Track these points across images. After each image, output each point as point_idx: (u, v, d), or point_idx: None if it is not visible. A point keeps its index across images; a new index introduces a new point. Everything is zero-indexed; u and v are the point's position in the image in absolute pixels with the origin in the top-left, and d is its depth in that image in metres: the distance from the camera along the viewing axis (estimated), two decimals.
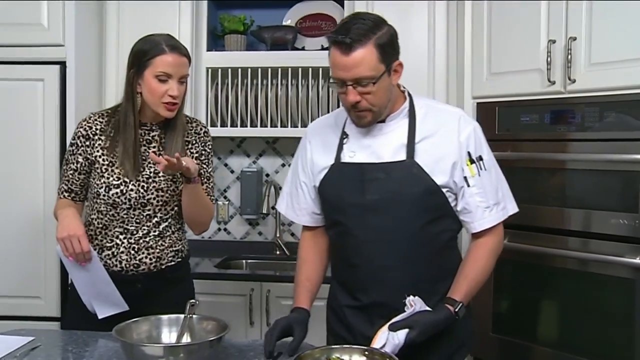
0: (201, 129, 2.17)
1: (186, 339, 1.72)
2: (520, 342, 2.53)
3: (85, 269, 1.94)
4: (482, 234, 1.77)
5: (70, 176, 2.06)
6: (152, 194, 2.02)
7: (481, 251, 1.77)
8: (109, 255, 2.04)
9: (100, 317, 2.00)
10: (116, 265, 2.04)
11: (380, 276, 1.74)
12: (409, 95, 1.81)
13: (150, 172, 2.03)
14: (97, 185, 2.02)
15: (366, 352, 1.62)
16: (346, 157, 1.78)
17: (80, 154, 2.04)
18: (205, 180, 2.15)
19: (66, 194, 2.08)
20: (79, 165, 2.05)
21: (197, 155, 2.13)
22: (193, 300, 1.78)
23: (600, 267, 2.26)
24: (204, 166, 2.15)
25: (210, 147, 2.19)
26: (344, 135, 1.81)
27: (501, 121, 2.58)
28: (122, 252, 2.03)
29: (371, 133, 1.77)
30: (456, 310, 1.67)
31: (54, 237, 1.92)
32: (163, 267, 2.10)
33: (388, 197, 1.71)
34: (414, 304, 1.65)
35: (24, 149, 2.82)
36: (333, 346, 1.67)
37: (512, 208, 1.82)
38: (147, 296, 2.06)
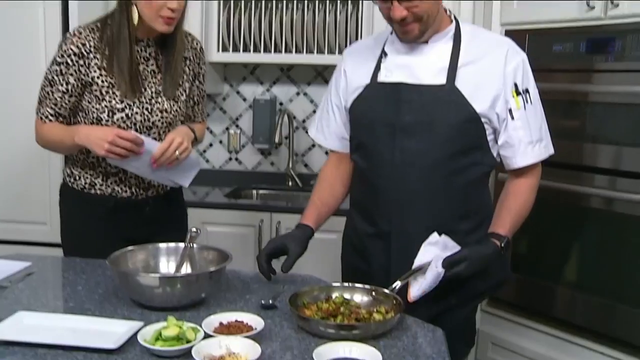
0: (197, 44, 2.03)
1: (185, 269, 1.63)
2: (541, 282, 2.44)
3: (145, 154, 1.80)
4: (521, 172, 1.66)
5: (59, 99, 1.84)
6: (157, 115, 1.89)
7: (523, 187, 1.67)
8: (116, 181, 1.92)
9: (186, 186, 1.98)
10: (125, 192, 1.93)
11: (404, 202, 1.64)
12: (455, 19, 1.68)
13: (152, 93, 1.89)
14: (98, 109, 1.84)
15: (373, 293, 1.52)
16: (382, 76, 1.67)
17: (71, 75, 1.82)
18: (200, 99, 2.06)
19: (52, 119, 1.87)
20: (69, 87, 1.83)
21: (193, 75, 2.00)
22: (195, 229, 1.68)
23: (627, 206, 2.14)
24: (200, 85, 2.05)
25: (204, 63, 2.06)
26: (383, 54, 1.69)
27: (531, 50, 2.38)
28: (131, 177, 1.92)
29: (412, 53, 1.64)
30: (502, 245, 1.59)
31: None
32: (168, 188, 2.01)
33: (423, 120, 1.60)
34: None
35: (26, 68, 2.69)
36: (334, 284, 1.58)
37: (551, 148, 1.70)
38: (153, 222, 1.97)
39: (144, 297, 1.47)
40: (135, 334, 1.28)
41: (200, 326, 1.30)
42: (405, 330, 1.40)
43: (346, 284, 1.57)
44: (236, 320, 1.36)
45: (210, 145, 3.48)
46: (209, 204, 2.93)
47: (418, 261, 1.54)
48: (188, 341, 1.24)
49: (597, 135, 2.24)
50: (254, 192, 3.34)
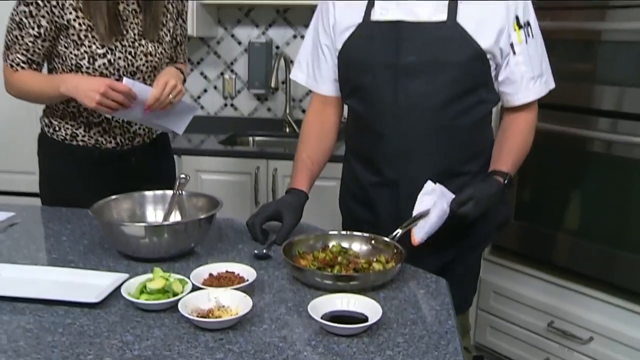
0: None
1: (174, 218, 1.55)
2: (542, 229, 2.36)
3: (138, 101, 1.66)
4: (520, 109, 1.58)
5: (30, 44, 1.68)
6: (141, 59, 1.77)
7: (522, 124, 1.59)
8: (99, 131, 1.80)
9: (180, 133, 1.86)
10: (110, 142, 1.82)
11: (409, 147, 1.54)
12: None
13: (135, 35, 1.76)
14: (77, 56, 1.69)
15: (372, 242, 1.44)
16: (377, 15, 1.53)
17: (43, 17, 1.65)
18: (183, 39, 1.94)
19: (25, 66, 1.71)
20: (42, 31, 1.66)
21: (177, 13, 1.87)
22: (183, 175, 1.59)
23: (629, 150, 2.06)
24: (183, 24, 1.93)
25: (186, 3, 1.94)
26: None
27: None
28: (115, 127, 1.81)
29: None
30: (505, 182, 1.52)
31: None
32: (154, 136, 1.91)
33: (427, 60, 1.48)
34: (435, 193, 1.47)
35: None
36: (331, 232, 1.49)
37: (552, 82, 1.59)
38: (141, 173, 1.87)
39: (130, 248, 1.39)
40: (120, 286, 1.20)
41: (189, 278, 1.23)
42: (407, 281, 1.32)
43: (344, 232, 1.49)
44: (227, 272, 1.28)
45: (205, 91, 3.36)
46: (203, 151, 2.83)
47: (417, 211, 1.44)
48: (175, 294, 1.17)
49: (603, 76, 2.13)
50: (250, 138, 3.24)
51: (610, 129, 2.11)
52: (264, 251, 1.45)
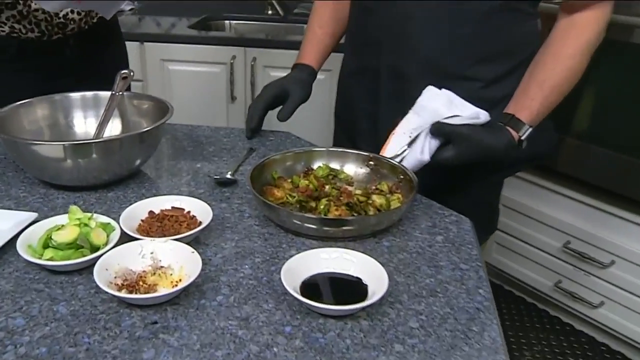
0: None
1: (110, 129, 1.18)
2: (568, 138, 1.99)
3: None
4: (579, 8, 1.07)
5: None
6: None
7: (573, 43, 1.07)
8: (14, 16, 1.34)
9: (108, 17, 1.42)
10: (32, 30, 1.37)
11: (399, 27, 1.14)
12: None
13: None
14: None
15: (370, 162, 1.09)
16: None
17: None
18: None
19: None
20: None
21: None
22: (125, 71, 1.20)
23: None
24: None
25: None
26: None
27: None
28: (37, 10, 1.35)
29: None
30: (521, 136, 1.08)
31: None
32: (94, 20, 1.48)
33: None
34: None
35: None
36: (316, 148, 1.14)
37: None
38: (79, 70, 1.46)
39: (46, 173, 1.04)
40: (23, 231, 0.86)
41: (118, 221, 0.88)
42: (418, 222, 0.98)
43: (333, 149, 1.13)
44: (173, 208, 0.94)
45: None
46: (171, 37, 2.39)
47: (406, 123, 1.08)
48: (94, 248, 0.83)
49: None
50: (226, 22, 2.79)
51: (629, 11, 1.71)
52: (229, 175, 1.10)
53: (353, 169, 1.10)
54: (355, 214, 0.96)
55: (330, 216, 0.94)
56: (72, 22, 1.42)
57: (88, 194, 1.03)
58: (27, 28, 1.36)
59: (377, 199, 0.98)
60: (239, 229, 0.94)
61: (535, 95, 1.08)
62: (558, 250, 2.06)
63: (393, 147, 1.06)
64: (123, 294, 0.74)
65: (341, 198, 0.98)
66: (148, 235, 0.87)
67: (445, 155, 1.04)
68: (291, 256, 0.80)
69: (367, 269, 0.79)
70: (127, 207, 0.92)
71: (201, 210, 0.93)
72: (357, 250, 0.83)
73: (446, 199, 1.08)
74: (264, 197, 0.97)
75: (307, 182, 1.03)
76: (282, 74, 1.34)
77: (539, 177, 2.08)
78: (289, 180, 1.05)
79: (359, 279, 0.79)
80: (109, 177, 1.05)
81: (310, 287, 0.77)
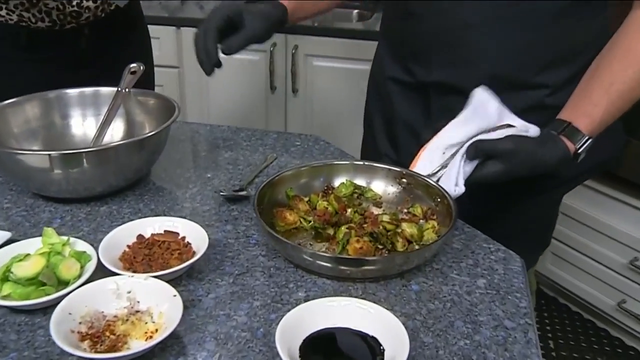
0: None
1: (111, 131, 1.05)
2: None
3: None
4: None
5: None
6: None
7: None
8: (22, 4, 1.19)
9: (122, 5, 1.31)
10: (42, 19, 1.24)
11: (452, 38, 0.96)
12: None
13: None
14: None
15: (403, 180, 0.92)
16: None
17: None
18: None
19: None
20: None
21: None
22: (134, 65, 1.07)
23: None
24: None
25: None
26: None
27: None
28: None
29: None
30: (578, 148, 0.89)
31: None
32: (112, 7, 1.35)
33: None
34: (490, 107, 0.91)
35: None
36: (337, 161, 0.96)
37: None
38: (95, 63, 1.33)
39: (32, 184, 0.92)
40: None
41: (97, 248, 0.75)
42: (456, 257, 0.81)
43: (359, 162, 0.97)
44: (166, 232, 0.80)
45: None
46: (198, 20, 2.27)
47: (444, 137, 0.90)
48: (64, 282, 0.70)
49: None
50: None
51: None
52: (238, 189, 0.96)
53: (382, 187, 0.93)
54: (380, 246, 0.80)
55: (350, 248, 0.78)
56: (87, 11, 1.29)
57: (79, 207, 0.91)
58: (36, 17, 1.24)
59: (408, 228, 0.82)
60: (241, 260, 0.79)
61: (599, 101, 0.89)
62: (623, 267, 1.84)
63: (423, 164, 0.89)
64: (80, 352, 0.60)
65: (365, 225, 0.82)
66: (131, 265, 0.74)
67: (490, 170, 0.86)
68: (297, 301, 0.66)
69: (386, 325, 0.64)
70: (119, 225, 0.79)
71: (196, 236, 0.79)
72: (379, 294, 0.67)
73: (495, 215, 0.91)
74: (275, 221, 0.82)
75: (326, 203, 0.87)
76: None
77: (598, 182, 1.87)
78: (306, 200, 0.90)
79: (375, 339, 0.63)
80: (103, 188, 0.93)
81: (313, 347, 0.63)
